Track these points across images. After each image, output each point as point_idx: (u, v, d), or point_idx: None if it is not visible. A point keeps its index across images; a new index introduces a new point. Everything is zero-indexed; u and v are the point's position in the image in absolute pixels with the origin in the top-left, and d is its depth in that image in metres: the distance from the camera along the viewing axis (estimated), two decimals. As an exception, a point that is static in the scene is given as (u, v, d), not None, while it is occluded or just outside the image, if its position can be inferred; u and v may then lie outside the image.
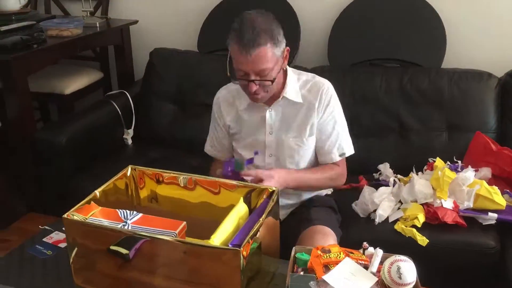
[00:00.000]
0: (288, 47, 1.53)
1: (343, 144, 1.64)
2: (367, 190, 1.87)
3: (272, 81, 1.47)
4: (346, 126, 1.67)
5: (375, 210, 1.78)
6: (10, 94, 2.08)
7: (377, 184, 1.95)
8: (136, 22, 2.74)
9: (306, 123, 1.60)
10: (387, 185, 1.90)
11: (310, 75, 1.66)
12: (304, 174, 1.63)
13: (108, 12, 2.83)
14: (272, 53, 1.44)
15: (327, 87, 1.61)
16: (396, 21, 2.31)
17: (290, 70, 1.63)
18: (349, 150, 1.66)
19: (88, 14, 2.68)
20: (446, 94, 2.12)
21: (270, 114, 1.62)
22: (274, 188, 1.26)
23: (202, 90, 2.39)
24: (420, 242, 1.66)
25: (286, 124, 1.62)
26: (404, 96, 2.16)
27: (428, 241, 1.66)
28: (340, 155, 1.63)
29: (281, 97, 1.59)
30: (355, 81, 2.23)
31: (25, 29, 2.40)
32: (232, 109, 1.67)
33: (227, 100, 1.67)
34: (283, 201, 1.64)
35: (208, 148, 1.78)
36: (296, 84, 1.62)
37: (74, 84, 2.62)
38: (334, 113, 1.62)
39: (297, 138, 1.62)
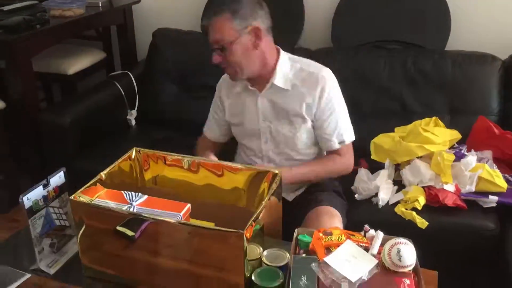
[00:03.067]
0: (258, 26, 1.52)
1: (342, 131, 1.63)
2: (364, 172, 1.88)
3: (224, 48, 1.50)
4: (347, 113, 1.66)
5: (376, 194, 1.80)
6: (14, 75, 2.09)
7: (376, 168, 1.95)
8: (138, 1, 2.73)
9: (297, 112, 1.61)
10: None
11: (306, 63, 1.65)
12: (304, 169, 1.64)
13: (111, -8, 2.81)
14: (229, 25, 1.49)
15: (321, 75, 1.59)
16: (400, 3, 2.29)
17: (283, 56, 1.63)
18: (349, 138, 1.65)
19: (91, -7, 2.66)
20: (449, 76, 2.11)
21: (262, 101, 1.64)
22: (276, 171, 1.27)
23: (205, 70, 2.37)
24: (419, 225, 1.68)
25: (277, 112, 1.64)
26: (407, 79, 2.16)
27: (427, 223, 1.68)
28: (339, 143, 1.63)
29: (270, 83, 1.61)
30: (358, 63, 2.22)
31: (27, 9, 2.39)
32: (231, 92, 1.70)
33: (228, 84, 1.70)
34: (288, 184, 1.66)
35: (205, 129, 1.85)
36: (289, 71, 1.61)
37: (77, 64, 2.61)
38: (331, 102, 1.60)
39: (291, 126, 1.63)
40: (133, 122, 2.48)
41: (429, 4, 2.26)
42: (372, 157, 1.93)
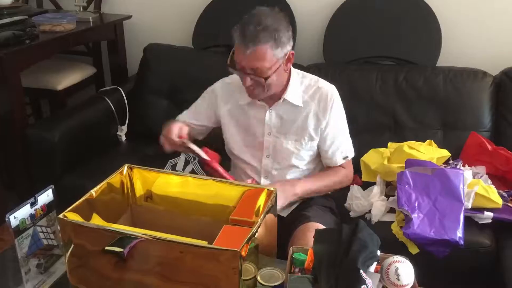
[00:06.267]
0: (293, 51, 1.51)
1: (345, 148, 1.66)
2: (357, 189, 1.86)
3: (265, 79, 1.47)
4: (348, 130, 1.69)
5: (370, 210, 1.78)
6: (2, 90, 2.05)
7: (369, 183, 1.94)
8: (129, 17, 2.71)
9: (306, 128, 1.60)
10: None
11: (314, 78, 1.64)
12: (308, 184, 1.63)
13: (101, 7, 2.79)
14: (272, 53, 1.44)
15: (330, 93, 1.60)
16: (392, 19, 2.31)
17: (294, 72, 1.62)
18: (351, 154, 1.70)
19: (81, 8, 2.64)
20: (441, 92, 2.12)
21: (270, 115, 1.62)
22: (272, 189, 1.25)
23: (196, 86, 2.32)
24: (410, 250, 1.64)
25: (285, 127, 1.62)
26: (399, 94, 2.16)
27: (418, 250, 1.64)
28: (343, 158, 1.66)
29: (282, 99, 1.59)
30: (350, 78, 2.22)
31: (17, 24, 2.35)
32: (231, 99, 1.65)
33: (228, 90, 1.66)
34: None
35: (182, 115, 1.77)
36: (299, 87, 1.61)
37: (67, 79, 2.58)
38: (336, 119, 1.62)
39: (297, 142, 1.62)
40: (123, 138, 2.44)
41: (420, 20, 2.28)
42: (363, 178, 1.94)
